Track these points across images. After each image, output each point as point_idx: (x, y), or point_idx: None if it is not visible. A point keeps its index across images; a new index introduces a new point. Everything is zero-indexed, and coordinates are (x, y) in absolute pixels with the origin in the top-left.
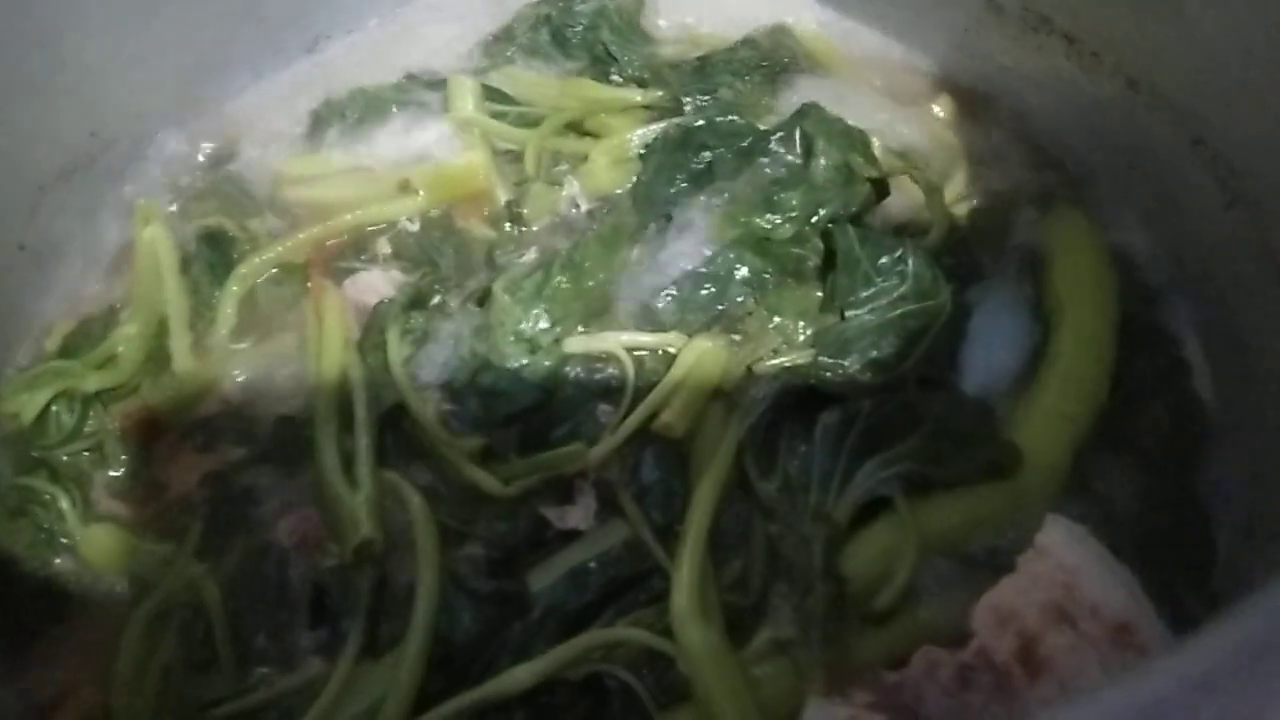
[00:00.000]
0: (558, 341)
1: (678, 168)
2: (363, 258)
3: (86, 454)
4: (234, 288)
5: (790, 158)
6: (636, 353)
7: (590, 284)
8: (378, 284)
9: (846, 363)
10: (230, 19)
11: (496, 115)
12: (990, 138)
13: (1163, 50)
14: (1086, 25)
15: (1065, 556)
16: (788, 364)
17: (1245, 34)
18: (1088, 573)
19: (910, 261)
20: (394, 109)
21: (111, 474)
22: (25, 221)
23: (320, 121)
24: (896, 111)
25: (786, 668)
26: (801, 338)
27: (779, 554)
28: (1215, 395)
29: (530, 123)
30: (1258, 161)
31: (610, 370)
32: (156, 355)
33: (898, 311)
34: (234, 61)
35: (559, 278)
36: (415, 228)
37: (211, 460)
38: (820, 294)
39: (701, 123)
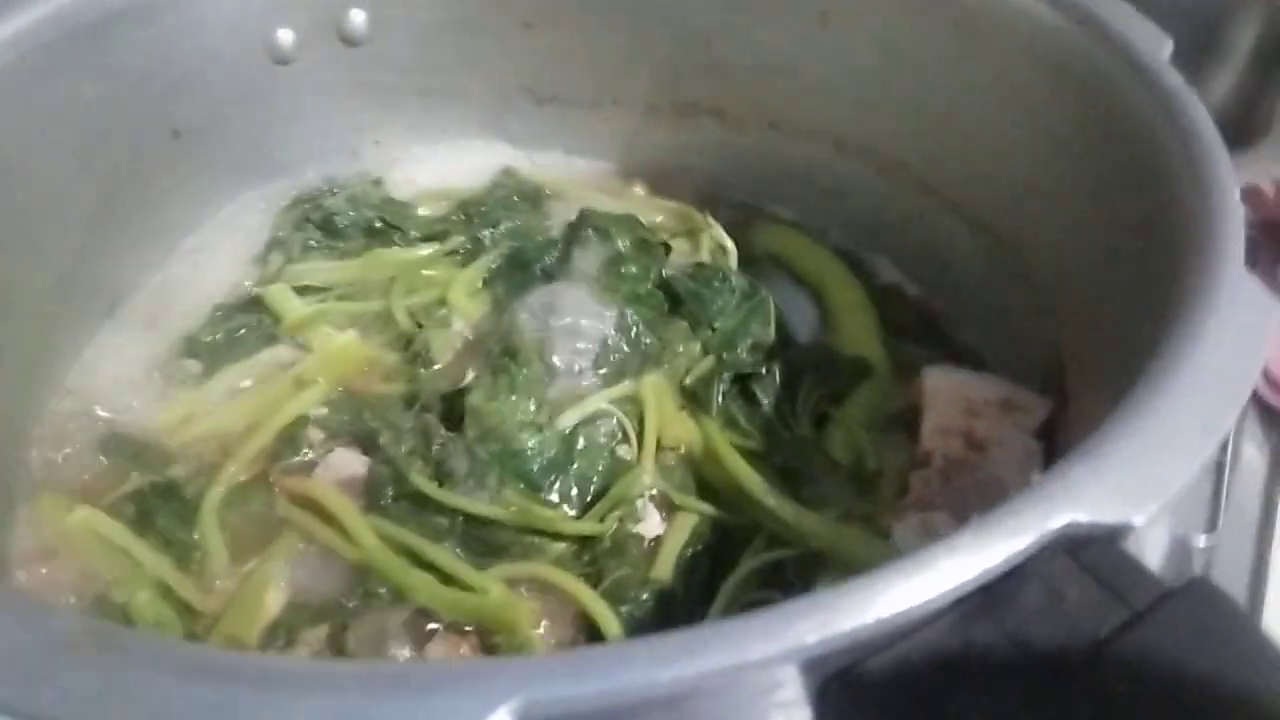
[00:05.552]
0: (551, 419)
1: (521, 287)
2: (304, 451)
3: None
4: (210, 521)
5: (598, 247)
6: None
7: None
8: (349, 460)
9: (740, 353)
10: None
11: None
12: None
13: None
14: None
15: (945, 383)
16: (702, 375)
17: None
18: (969, 383)
19: (731, 278)
20: (227, 337)
21: None
22: None
23: (171, 368)
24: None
25: None
26: (697, 354)
27: None
28: None
29: (353, 298)
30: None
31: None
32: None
33: (743, 310)
34: None
35: (521, 371)
36: (325, 412)
37: None
38: (684, 322)
39: (515, 246)
